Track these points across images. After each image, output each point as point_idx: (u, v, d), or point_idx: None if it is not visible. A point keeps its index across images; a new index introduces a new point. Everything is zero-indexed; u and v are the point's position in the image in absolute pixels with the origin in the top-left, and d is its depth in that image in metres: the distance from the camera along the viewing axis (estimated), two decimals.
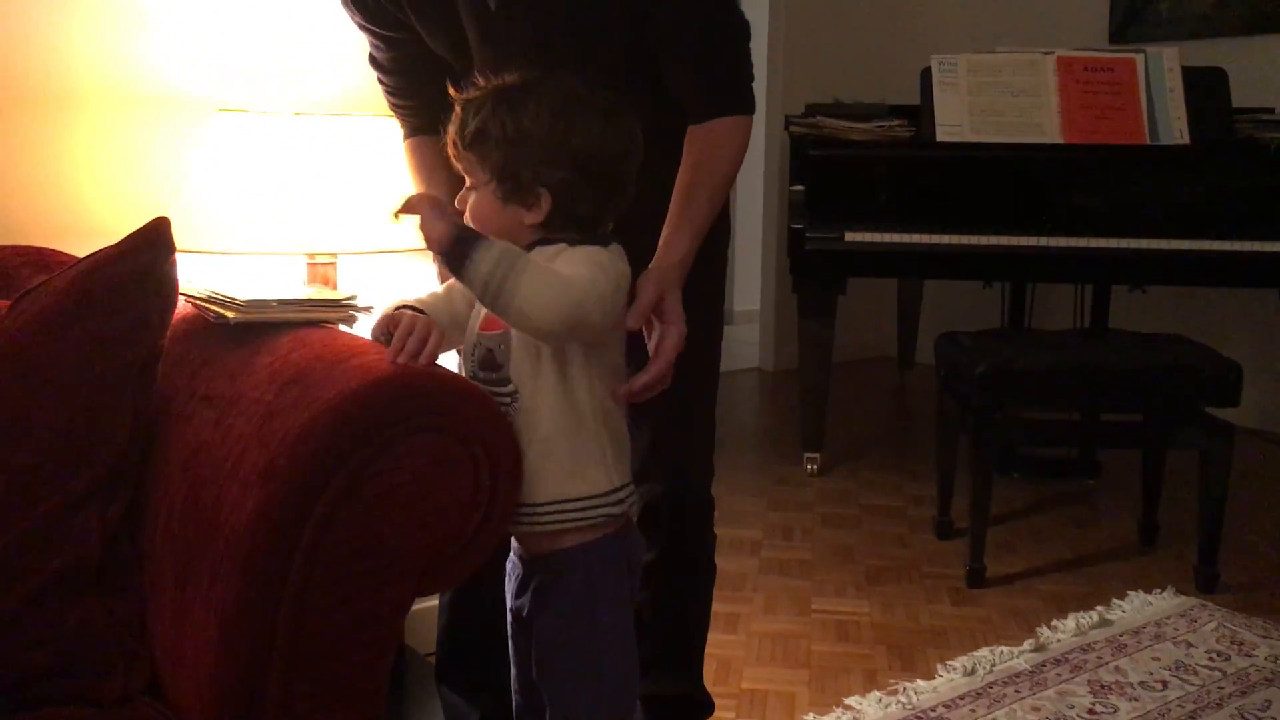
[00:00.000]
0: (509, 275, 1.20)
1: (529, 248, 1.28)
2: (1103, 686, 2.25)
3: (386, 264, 1.99)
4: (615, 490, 1.33)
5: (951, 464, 3.10)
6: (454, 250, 1.22)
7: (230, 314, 1.38)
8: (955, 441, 3.06)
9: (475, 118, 1.27)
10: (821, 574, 2.86)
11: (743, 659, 2.37)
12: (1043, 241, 3.25)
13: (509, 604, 1.41)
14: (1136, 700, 2.20)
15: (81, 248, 1.89)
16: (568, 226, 1.29)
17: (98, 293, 1.33)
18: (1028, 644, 2.42)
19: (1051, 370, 2.74)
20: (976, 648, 2.43)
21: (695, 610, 1.85)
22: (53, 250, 1.80)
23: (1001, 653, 2.38)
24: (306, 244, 1.80)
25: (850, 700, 2.18)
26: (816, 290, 3.50)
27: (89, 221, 1.93)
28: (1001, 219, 3.30)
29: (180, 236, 1.75)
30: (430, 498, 1.24)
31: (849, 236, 3.33)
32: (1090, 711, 2.15)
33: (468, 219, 1.31)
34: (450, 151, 1.31)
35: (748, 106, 1.53)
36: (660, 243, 1.46)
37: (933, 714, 2.14)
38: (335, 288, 1.91)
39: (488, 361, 1.32)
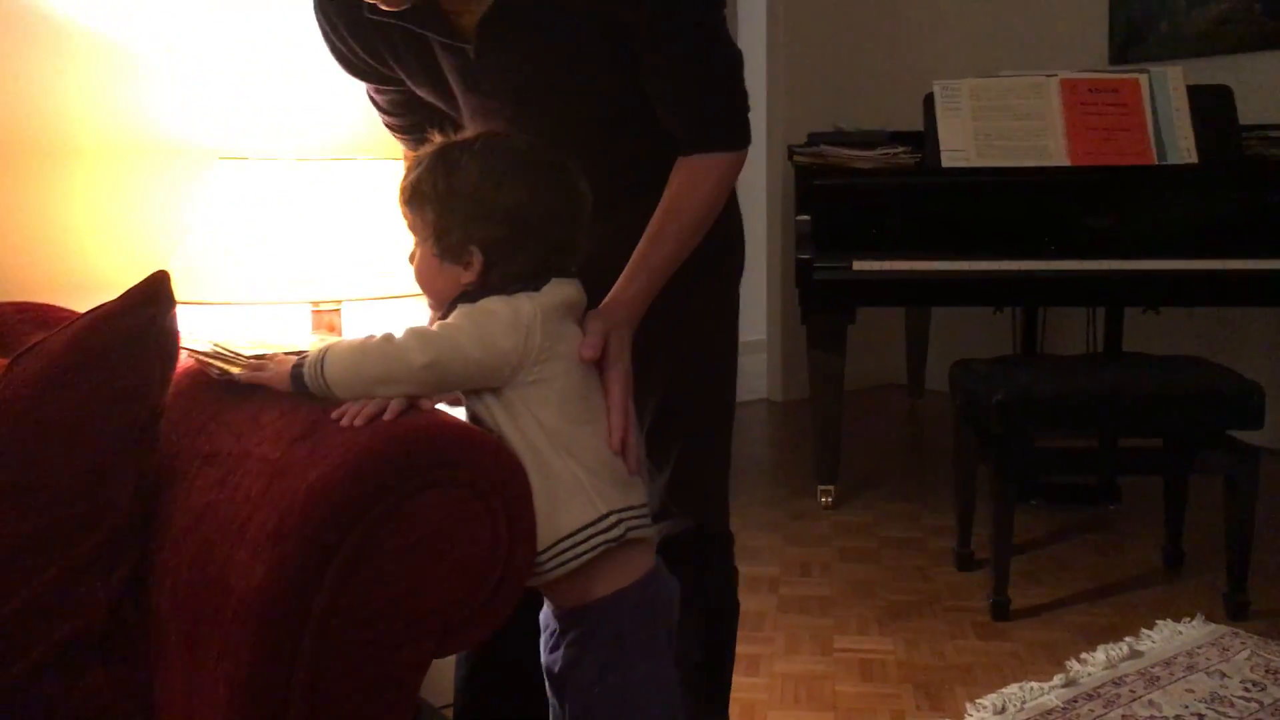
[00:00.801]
0: (318, 364, 1.23)
1: (452, 304, 1.30)
2: None
3: (391, 310, 1.95)
4: (605, 516, 1.26)
5: (970, 494, 3.04)
6: (295, 383, 1.26)
7: (235, 370, 1.34)
8: (973, 471, 3.01)
9: (412, 174, 1.29)
10: (842, 609, 2.81)
11: (766, 702, 2.31)
12: (1053, 265, 3.22)
13: (542, 660, 1.37)
14: None
15: (82, 302, 1.85)
16: (506, 283, 1.28)
17: (97, 351, 1.29)
18: (1058, 679, 2.36)
19: (1071, 396, 2.69)
20: (1005, 684, 2.37)
21: (720, 647, 1.79)
22: (52, 306, 1.77)
23: (1031, 689, 2.32)
24: (311, 292, 1.76)
25: None
26: (826, 321, 3.46)
27: (89, 275, 1.89)
28: (1011, 243, 3.27)
29: (182, 288, 1.73)
30: (448, 555, 1.19)
31: (857, 265, 3.29)
32: None
33: (415, 275, 1.34)
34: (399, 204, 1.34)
35: (739, 140, 1.49)
36: (617, 281, 1.43)
37: None
38: (340, 335, 1.87)
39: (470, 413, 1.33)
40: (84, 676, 1.23)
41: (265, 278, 1.73)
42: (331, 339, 1.38)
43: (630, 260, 1.45)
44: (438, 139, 1.32)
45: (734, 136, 1.49)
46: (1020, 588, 2.86)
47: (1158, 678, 2.39)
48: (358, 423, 1.19)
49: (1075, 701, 2.28)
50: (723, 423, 1.71)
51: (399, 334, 1.24)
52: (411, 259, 1.34)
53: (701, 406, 1.67)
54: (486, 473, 1.21)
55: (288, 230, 1.75)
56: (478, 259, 1.28)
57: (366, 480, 1.15)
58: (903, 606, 2.83)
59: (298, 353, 1.28)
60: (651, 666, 1.30)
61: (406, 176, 1.31)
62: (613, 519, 1.27)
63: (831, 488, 3.64)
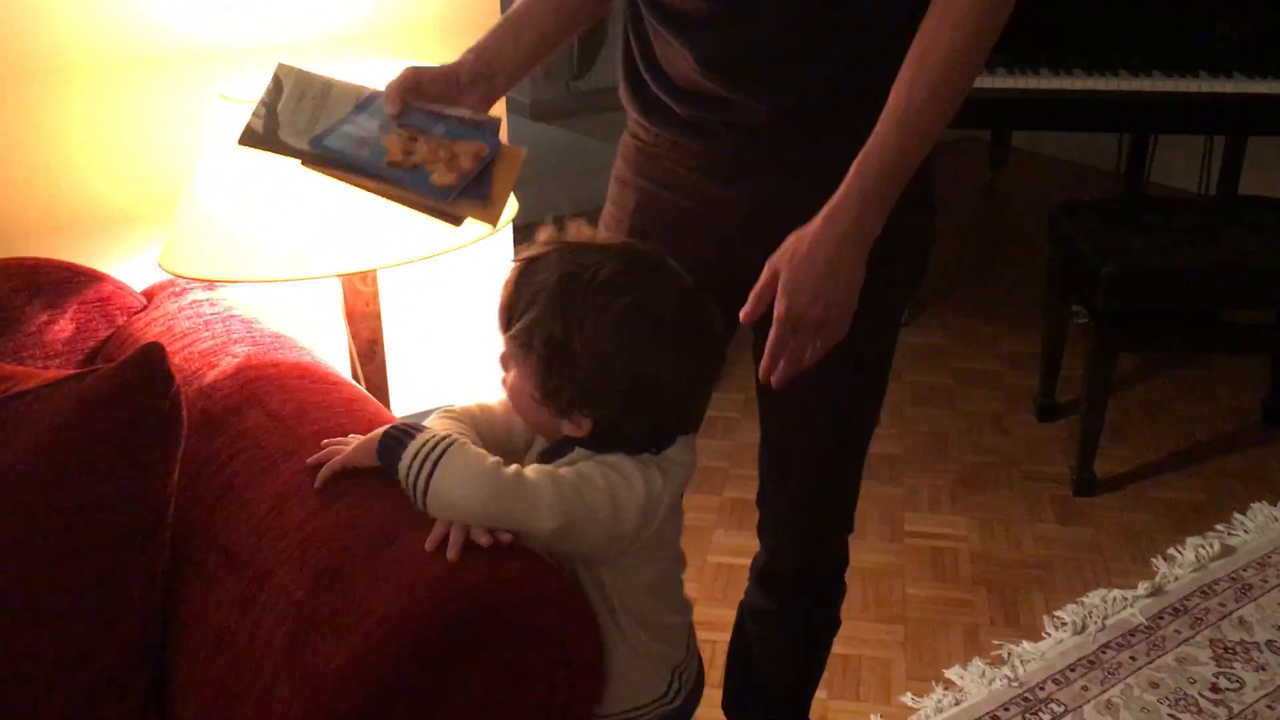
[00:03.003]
0: (427, 461, 1.03)
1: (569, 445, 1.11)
2: (1227, 649, 2.08)
3: (429, 273, 1.70)
4: (667, 690, 1.20)
5: (1058, 344, 2.82)
6: (382, 452, 1.07)
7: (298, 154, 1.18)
8: (1064, 320, 2.77)
9: (525, 313, 1.05)
10: (912, 475, 2.66)
11: None
12: (1170, 85, 2.81)
13: None
14: (1264, 670, 2.03)
15: (82, 249, 1.63)
16: (613, 447, 1.09)
17: (86, 452, 1.10)
18: (1143, 587, 2.24)
19: (1188, 270, 2.41)
20: (1086, 586, 2.26)
21: (814, 663, 1.67)
22: (47, 262, 1.54)
23: (1114, 600, 2.21)
24: (340, 262, 1.52)
25: (951, 673, 2.03)
26: None
27: (89, 212, 1.66)
28: (1124, 58, 2.85)
29: (188, 263, 1.49)
30: (498, 713, 1.05)
31: None
32: (1214, 689, 1.99)
33: (504, 390, 1.13)
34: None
35: None
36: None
37: (1041, 692, 1.99)
38: (377, 304, 1.64)
39: None
40: None
41: (285, 249, 1.48)
42: (449, 425, 1.15)
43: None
44: (549, 236, 1.08)
45: None
46: (1105, 444, 2.65)
47: (1250, 586, 2.25)
48: (450, 556, 1.02)
49: (1160, 618, 2.17)
50: (866, 430, 1.46)
51: (532, 473, 1.04)
52: (505, 377, 1.12)
53: (845, 411, 1.42)
54: (548, 625, 1.05)
55: (308, 191, 1.49)
56: (587, 424, 1.08)
57: (404, 663, 0.98)
58: (977, 472, 2.68)
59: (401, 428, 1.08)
60: None
61: (511, 301, 1.08)
62: (675, 687, 1.21)
63: None
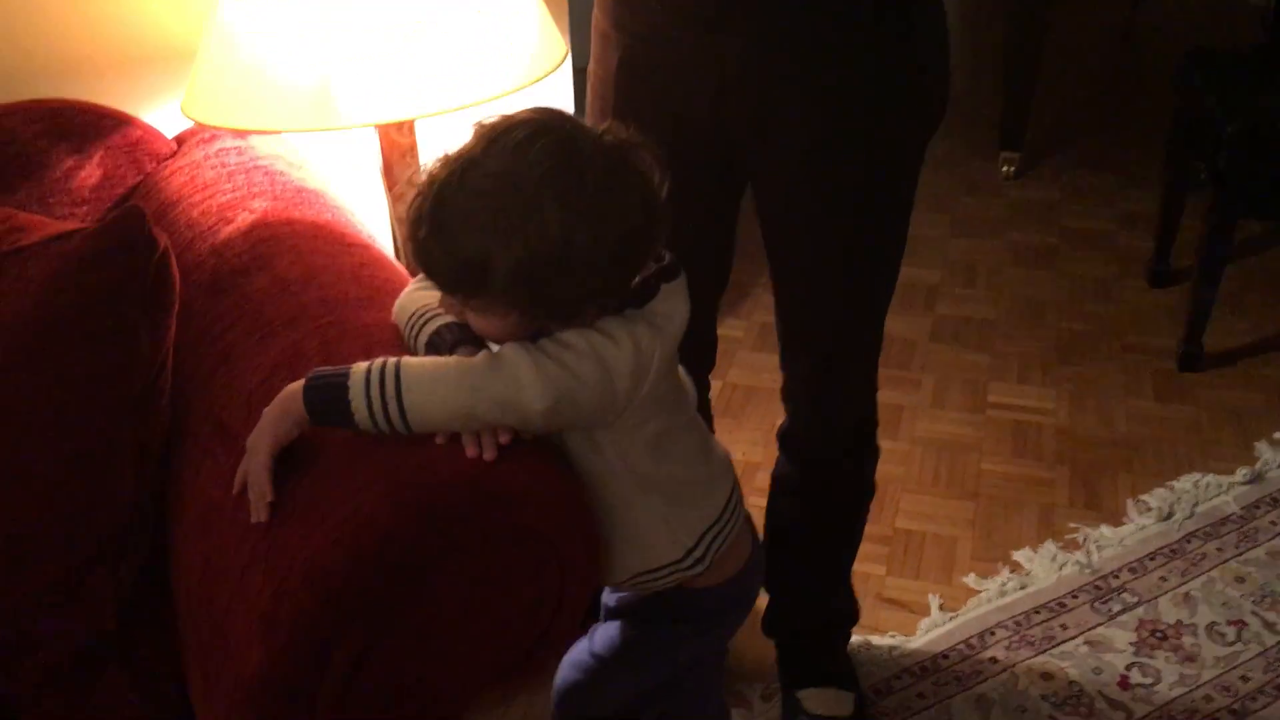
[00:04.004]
0: (385, 388, 0.93)
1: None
2: None
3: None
4: (689, 552, 1.11)
5: (1177, 205, 2.59)
6: (316, 405, 0.95)
7: None
8: (1184, 179, 2.54)
9: (475, 270, 0.94)
10: (1003, 342, 2.51)
11: (901, 479, 2.12)
12: None
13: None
14: None
15: (114, 87, 1.57)
16: (551, 319, 0.98)
17: (66, 320, 1.06)
18: (1241, 473, 2.09)
19: None
20: (1179, 469, 2.12)
21: (848, 530, 1.60)
22: (73, 103, 1.49)
23: (1207, 485, 2.07)
24: (375, 111, 1.42)
25: (1019, 555, 1.94)
26: None
27: (119, 46, 1.58)
28: None
29: (209, 111, 1.42)
30: (483, 618, 1.00)
31: None
32: None
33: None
34: None
35: None
36: None
37: (1115, 580, 1.89)
38: (416, 157, 1.55)
39: None
40: (102, 679, 1.12)
41: (315, 95, 1.39)
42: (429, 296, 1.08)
43: None
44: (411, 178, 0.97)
45: None
46: (1218, 316, 2.45)
47: None
48: (487, 456, 0.95)
49: (1256, 507, 2.03)
50: (883, 293, 1.40)
51: (508, 351, 0.96)
52: (459, 318, 1.03)
53: (860, 275, 1.36)
54: (535, 521, 0.98)
55: (341, 26, 1.39)
56: (596, 312, 0.98)
57: (372, 563, 0.93)
58: (1076, 341, 2.51)
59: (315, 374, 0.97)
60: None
61: (419, 234, 0.95)
62: (696, 554, 1.12)
63: (1016, 156, 3.18)
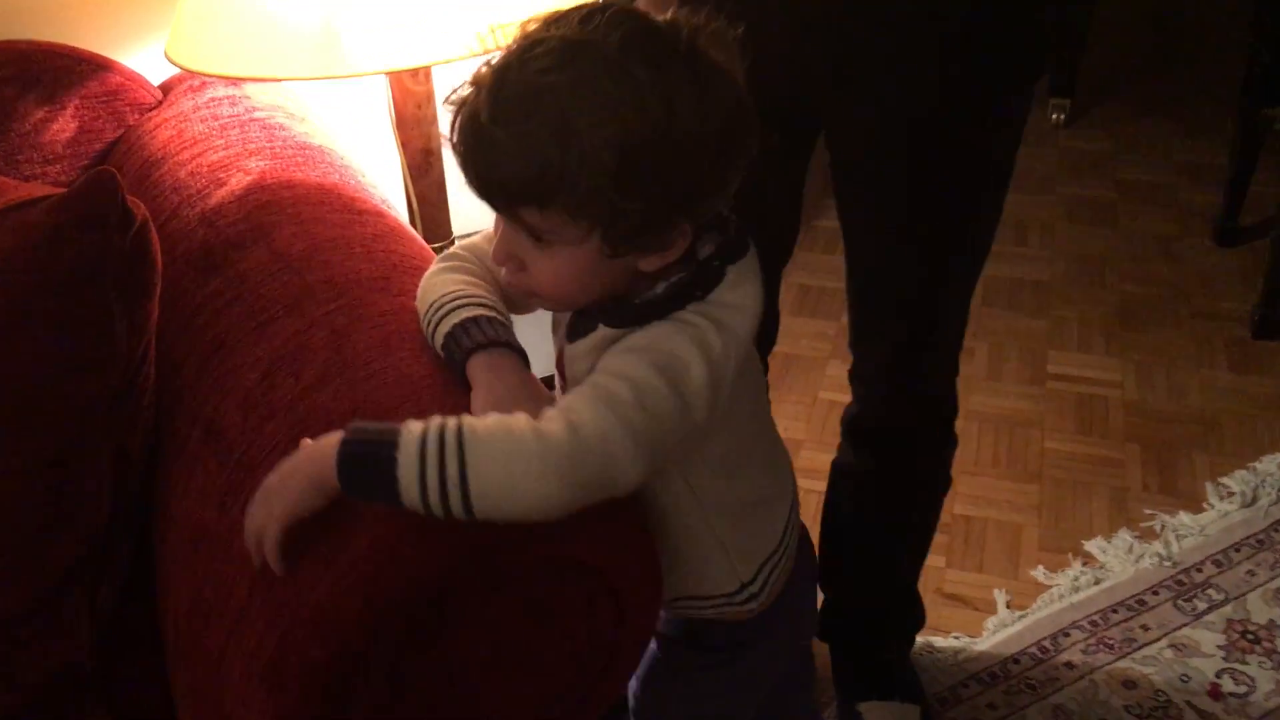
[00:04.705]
0: (447, 465, 0.73)
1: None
2: None
3: None
4: (742, 588, 0.96)
5: (1250, 155, 2.39)
6: (353, 477, 0.75)
7: None
8: (1260, 127, 2.34)
9: (552, 164, 0.73)
10: (1061, 306, 2.33)
11: (958, 461, 1.93)
12: None
13: None
14: None
15: (90, 27, 1.38)
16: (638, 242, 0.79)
17: (27, 307, 0.88)
18: None
19: None
20: (1260, 449, 1.94)
21: (920, 530, 1.45)
22: (46, 46, 1.31)
23: None
24: (387, 58, 1.24)
25: (1091, 546, 1.77)
26: None
27: None
28: None
29: (205, 57, 1.24)
30: (526, 666, 0.84)
31: None
32: None
33: (524, 287, 0.84)
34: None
35: None
36: None
37: (1198, 574, 1.72)
38: (433, 107, 1.36)
39: None
40: (84, 717, 0.96)
41: (318, 37, 1.21)
42: (459, 281, 0.90)
43: None
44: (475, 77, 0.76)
45: None
46: None
47: None
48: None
49: None
50: (977, 262, 1.23)
51: (576, 412, 0.76)
52: (516, 270, 0.82)
53: (957, 258, 1.21)
54: (586, 554, 0.82)
55: None
56: (688, 234, 0.80)
57: (394, 608, 0.77)
58: (1139, 305, 2.33)
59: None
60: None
61: (479, 124, 0.74)
62: (752, 589, 0.96)
63: (1066, 102, 2.98)
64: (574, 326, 0.86)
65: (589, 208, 0.74)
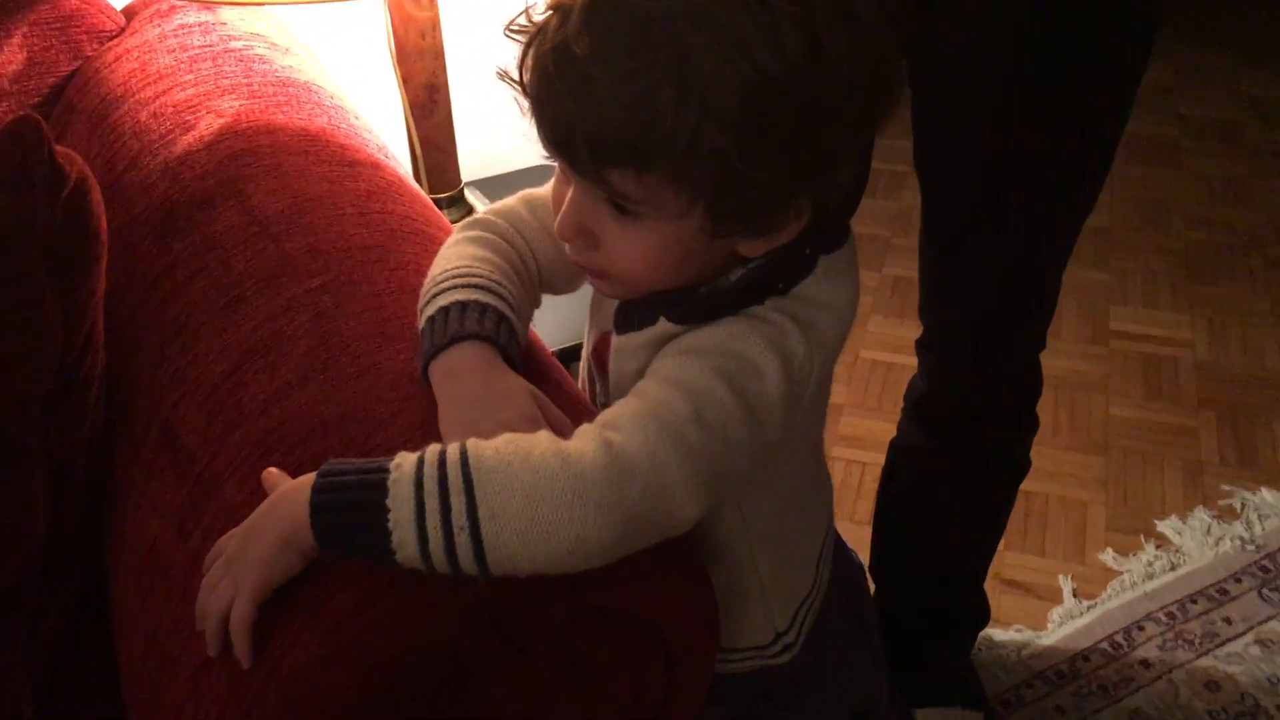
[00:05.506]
0: (453, 504, 0.57)
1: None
2: None
3: None
4: (777, 639, 0.82)
5: None
6: (333, 532, 0.59)
7: None
8: None
9: (667, 113, 0.56)
10: (1124, 255, 2.14)
11: None
12: None
13: None
14: None
15: None
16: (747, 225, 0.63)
17: None
18: None
19: None
20: None
21: (994, 519, 1.29)
22: None
23: None
24: None
25: (1164, 526, 1.61)
26: None
27: None
28: None
29: None
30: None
31: None
32: None
33: (605, 272, 0.67)
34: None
35: None
36: None
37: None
38: (438, 36, 1.18)
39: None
40: None
41: None
42: (486, 261, 0.73)
43: None
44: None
45: None
46: None
47: None
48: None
49: None
50: (1076, 233, 1.10)
51: (629, 422, 0.60)
52: (587, 248, 0.65)
53: (1059, 217, 1.07)
54: (638, 599, 0.66)
55: None
56: (807, 211, 0.64)
57: (392, 684, 0.61)
58: (1208, 253, 2.14)
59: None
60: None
61: (571, 56, 0.57)
62: (786, 639, 0.83)
63: None
64: (626, 315, 0.69)
65: (701, 173, 0.57)
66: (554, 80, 0.57)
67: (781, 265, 0.65)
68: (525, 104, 0.61)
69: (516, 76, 0.61)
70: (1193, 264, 2.12)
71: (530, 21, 0.60)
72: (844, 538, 0.96)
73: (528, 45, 0.59)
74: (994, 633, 1.47)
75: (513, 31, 0.61)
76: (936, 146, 1.02)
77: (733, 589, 0.76)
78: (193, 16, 1.14)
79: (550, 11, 0.58)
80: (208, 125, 0.98)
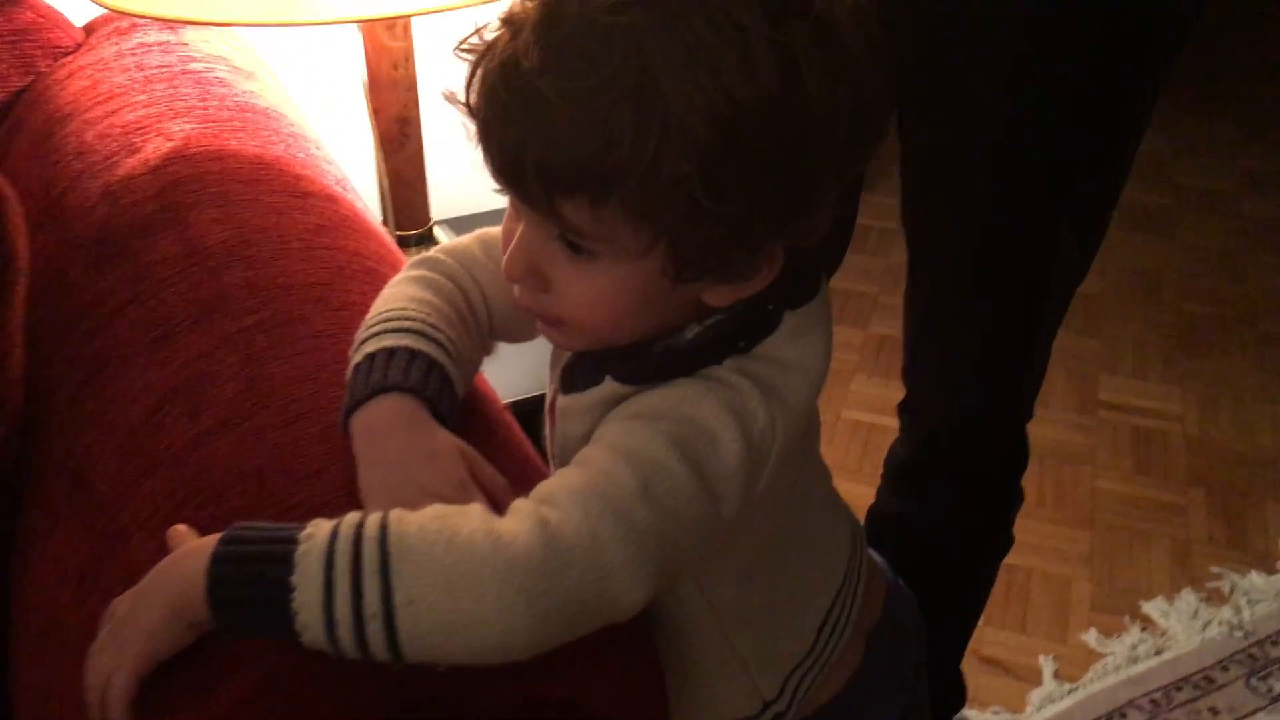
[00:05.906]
0: (366, 586, 0.51)
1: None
2: None
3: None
4: (764, 709, 0.75)
5: None
6: (228, 607, 0.52)
7: None
8: None
9: (613, 124, 0.51)
10: (1115, 326, 2.10)
11: None
12: None
13: None
14: None
15: None
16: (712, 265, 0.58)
17: None
18: None
19: None
20: None
21: (973, 596, 1.23)
22: None
23: None
24: (361, 4, 1.01)
25: (1150, 607, 1.55)
26: None
27: None
28: None
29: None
30: None
31: None
32: None
33: (553, 315, 0.61)
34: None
35: None
36: None
37: (1274, 648, 1.50)
38: (411, 68, 1.13)
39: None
40: None
41: None
42: (427, 306, 0.67)
43: None
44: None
45: None
46: None
47: None
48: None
49: None
50: (1077, 284, 1.07)
51: (567, 498, 0.54)
52: (537, 290, 0.60)
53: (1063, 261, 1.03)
54: (581, 690, 0.60)
55: None
56: (780, 259, 0.59)
57: None
58: (1201, 327, 2.10)
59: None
60: None
61: (520, 73, 0.52)
62: (776, 708, 0.75)
63: None
64: (571, 374, 0.63)
65: (662, 206, 0.52)
66: (501, 99, 0.52)
67: (742, 321, 0.59)
68: (474, 129, 0.56)
69: (464, 99, 0.56)
70: (1185, 336, 2.08)
71: (481, 39, 0.55)
72: None
73: (476, 63, 0.54)
74: (970, 714, 1.40)
75: (463, 51, 0.56)
76: (925, 202, 0.97)
77: (704, 663, 0.70)
78: (153, 35, 1.09)
79: (504, 27, 0.53)
80: (155, 148, 0.92)
